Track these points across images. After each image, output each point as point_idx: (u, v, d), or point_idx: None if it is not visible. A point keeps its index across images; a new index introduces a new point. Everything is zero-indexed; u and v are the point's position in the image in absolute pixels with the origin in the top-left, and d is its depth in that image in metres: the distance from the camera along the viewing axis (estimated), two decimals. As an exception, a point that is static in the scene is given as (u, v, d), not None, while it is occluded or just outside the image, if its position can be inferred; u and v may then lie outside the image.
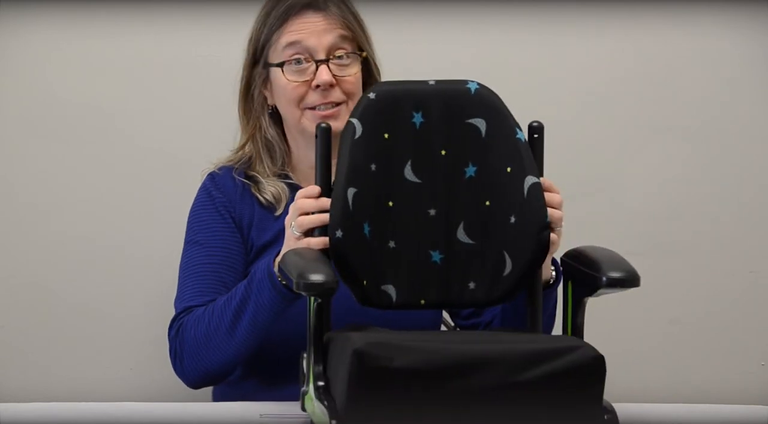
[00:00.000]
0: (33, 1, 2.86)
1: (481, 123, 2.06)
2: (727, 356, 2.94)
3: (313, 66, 2.30)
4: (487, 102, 2.07)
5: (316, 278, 1.85)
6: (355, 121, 2.07)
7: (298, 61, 2.31)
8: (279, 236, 2.32)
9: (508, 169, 2.02)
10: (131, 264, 2.89)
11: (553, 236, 2.03)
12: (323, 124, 2.08)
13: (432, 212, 2.06)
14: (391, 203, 2.07)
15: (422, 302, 2.07)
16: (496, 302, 2.07)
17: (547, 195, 2.03)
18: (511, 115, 2.06)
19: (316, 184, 2.08)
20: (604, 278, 1.87)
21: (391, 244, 2.06)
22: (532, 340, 1.86)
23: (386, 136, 2.07)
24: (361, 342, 1.78)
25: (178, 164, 2.83)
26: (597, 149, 2.88)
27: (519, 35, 2.89)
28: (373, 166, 2.06)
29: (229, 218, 2.35)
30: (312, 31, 2.31)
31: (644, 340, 2.91)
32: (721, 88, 2.91)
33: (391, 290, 2.06)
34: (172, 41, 2.88)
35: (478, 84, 2.08)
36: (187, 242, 2.37)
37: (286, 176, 2.39)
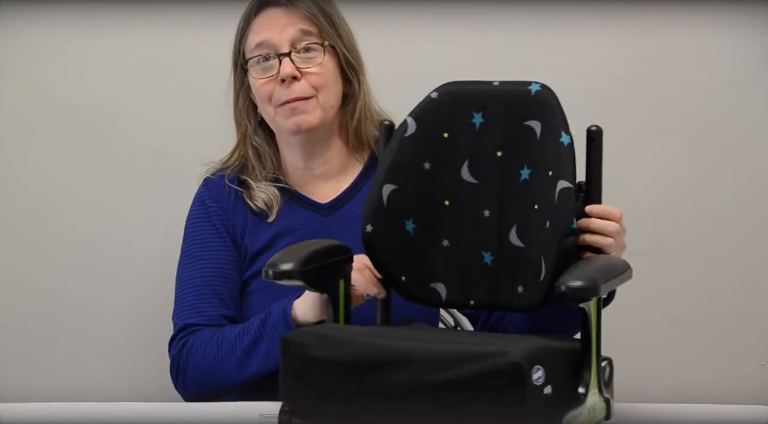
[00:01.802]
0: (33, 1, 2.86)
1: (536, 125, 2.02)
2: (727, 356, 2.94)
3: (278, 61, 2.31)
4: (544, 103, 2.02)
5: (284, 266, 1.93)
6: (409, 119, 2.07)
7: (266, 59, 2.32)
8: (272, 242, 2.32)
9: (550, 173, 1.98)
10: (131, 264, 2.89)
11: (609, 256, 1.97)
12: (386, 122, 2.10)
13: (486, 213, 2.04)
14: (447, 202, 2.06)
15: (471, 302, 2.06)
16: (537, 308, 2.01)
17: (600, 223, 1.98)
18: (562, 117, 2.00)
19: None
20: (557, 291, 1.79)
21: (445, 243, 2.06)
22: (467, 342, 1.83)
23: (446, 135, 2.07)
24: (296, 332, 1.86)
25: (178, 164, 2.83)
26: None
27: (519, 35, 2.88)
28: (426, 165, 2.06)
29: (222, 228, 2.35)
30: (274, 26, 2.32)
31: (644, 340, 2.91)
32: (721, 88, 2.91)
33: (441, 288, 2.06)
34: (172, 41, 2.88)
35: (541, 86, 2.03)
36: (182, 253, 2.37)
37: (279, 180, 2.38)
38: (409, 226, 2.06)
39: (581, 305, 1.81)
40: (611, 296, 2.13)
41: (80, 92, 2.89)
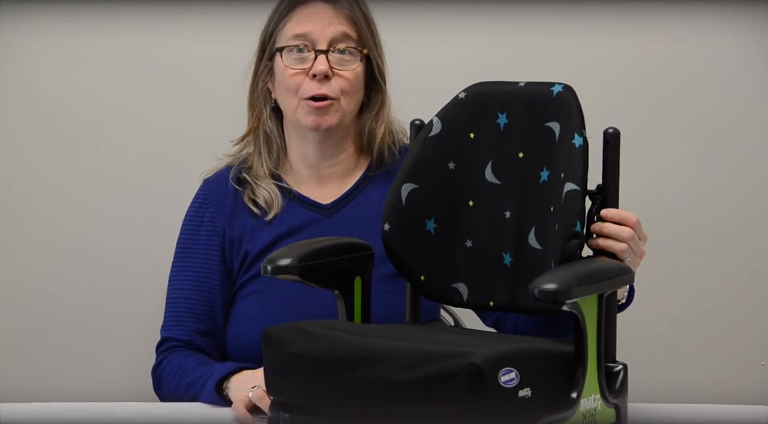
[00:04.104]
0: (33, 1, 2.86)
1: (556, 126, 1.99)
2: (727, 356, 2.94)
3: (313, 55, 2.31)
4: (563, 105, 1.99)
5: (282, 262, 1.96)
6: (435, 119, 2.07)
7: (300, 50, 2.31)
8: (273, 243, 2.32)
9: (562, 175, 1.96)
10: (131, 264, 2.89)
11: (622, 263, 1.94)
12: (417, 122, 2.11)
13: (507, 214, 2.03)
14: (471, 203, 2.06)
15: (491, 303, 2.05)
16: (549, 312, 2.00)
17: (614, 227, 1.96)
18: (578, 119, 1.97)
19: None
20: (530, 294, 1.77)
21: (468, 243, 2.05)
22: (443, 342, 1.83)
23: (472, 135, 2.06)
24: (277, 326, 1.88)
25: (179, 164, 2.83)
26: (596, 149, 2.88)
27: (518, 35, 2.89)
28: (451, 165, 2.06)
29: (213, 236, 2.35)
30: (318, 21, 2.32)
31: (644, 340, 2.91)
32: (721, 88, 2.91)
33: (462, 288, 2.06)
34: (172, 41, 2.88)
35: (563, 87, 2.01)
36: (173, 259, 2.38)
37: (280, 178, 2.38)
38: (430, 225, 2.06)
39: (566, 309, 1.78)
40: (629, 299, 2.12)
41: (80, 92, 2.89)
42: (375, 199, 2.34)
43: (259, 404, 2.07)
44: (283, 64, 2.31)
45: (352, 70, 2.32)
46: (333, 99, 2.30)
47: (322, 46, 2.30)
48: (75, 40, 2.88)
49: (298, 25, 2.32)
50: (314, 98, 2.29)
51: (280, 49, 2.32)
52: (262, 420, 2.04)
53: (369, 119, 2.36)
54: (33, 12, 2.87)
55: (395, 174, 2.10)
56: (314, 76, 2.29)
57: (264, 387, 1.95)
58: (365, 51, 2.33)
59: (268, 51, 2.35)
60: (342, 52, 2.31)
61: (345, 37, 2.32)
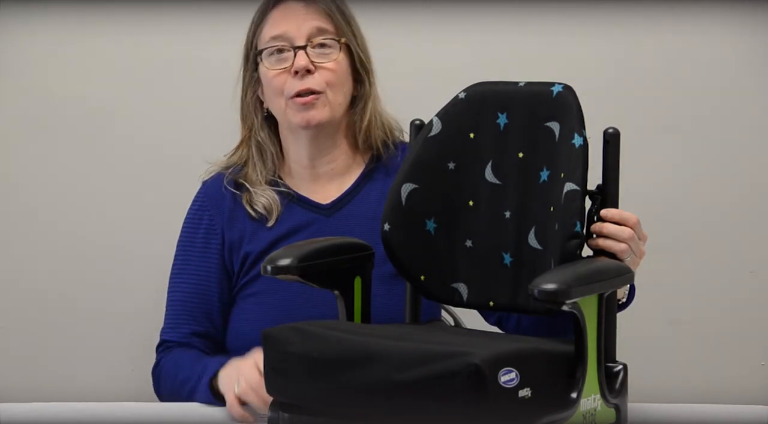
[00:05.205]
0: (33, 1, 2.86)
1: (555, 126, 2.00)
2: (727, 356, 2.94)
3: (293, 53, 2.31)
4: (563, 105, 2.00)
5: (282, 262, 1.97)
6: (435, 119, 2.08)
7: (280, 50, 2.32)
8: (273, 245, 2.33)
9: (562, 175, 1.96)
10: (131, 264, 2.89)
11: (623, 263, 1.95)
12: (416, 122, 2.12)
13: (507, 214, 2.03)
14: (471, 203, 2.06)
15: (491, 303, 2.06)
16: (549, 312, 2.00)
17: (613, 228, 1.96)
18: (578, 119, 1.97)
19: None
20: (530, 293, 1.77)
21: (468, 243, 2.06)
22: (442, 342, 1.83)
23: (472, 135, 2.06)
24: (277, 327, 1.89)
25: (178, 164, 2.83)
26: (596, 149, 2.88)
27: (518, 35, 2.89)
28: (451, 165, 2.06)
29: (213, 238, 2.35)
30: (292, 20, 2.33)
31: (644, 340, 2.91)
32: (722, 88, 2.91)
33: (462, 288, 2.06)
34: (172, 41, 2.88)
35: (563, 87, 2.01)
36: (173, 261, 2.38)
37: (277, 183, 2.38)
38: (430, 225, 2.06)
39: (566, 309, 1.78)
40: (630, 299, 2.12)
41: (80, 92, 2.89)
42: (374, 197, 2.34)
43: (246, 400, 2.08)
44: (266, 67, 2.32)
45: (333, 60, 2.32)
46: (319, 92, 2.30)
47: (300, 43, 2.31)
48: (75, 40, 2.88)
49: (274, 27, 2.33)
50: (300, 94, 2.30)
51: (261, 53, 2.33)
52: (261, 420, 2.04)
53: (356, 113, 2.37)
54: (33, 12, 2.87)
55: (395, 172, 2.11)
56: (296, 72, 2.30)
57: (249, 380, 2.00)
58: (342, 40, 2.33)
59: (251, 60, 2.36)
60: (321, 45, 2.32)
61: (321, 31, 2.32)
